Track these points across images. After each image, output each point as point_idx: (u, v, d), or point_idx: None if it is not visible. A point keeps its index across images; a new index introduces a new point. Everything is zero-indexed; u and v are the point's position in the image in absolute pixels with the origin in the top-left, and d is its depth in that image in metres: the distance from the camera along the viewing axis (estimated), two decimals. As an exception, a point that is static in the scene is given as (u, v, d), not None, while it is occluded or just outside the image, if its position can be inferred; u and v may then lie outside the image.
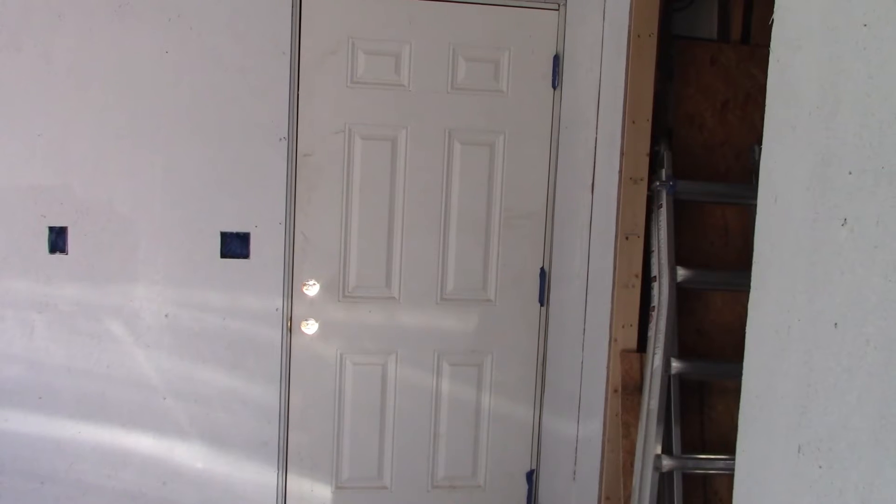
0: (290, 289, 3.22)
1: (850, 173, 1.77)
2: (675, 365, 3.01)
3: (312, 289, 3.23)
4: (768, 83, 2.07)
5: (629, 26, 3.02)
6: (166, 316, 3.14)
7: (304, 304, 3.23)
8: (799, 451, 1.75)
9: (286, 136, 3.13)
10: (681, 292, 3.16)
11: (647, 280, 3.18)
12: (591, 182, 3.30)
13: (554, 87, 3.28)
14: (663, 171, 3.13)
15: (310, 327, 3.24)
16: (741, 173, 3.31)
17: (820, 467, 1.64)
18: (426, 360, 3.35)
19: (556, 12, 3.24)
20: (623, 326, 3.15)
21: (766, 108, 2.09)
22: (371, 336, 3.31)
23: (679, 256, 3.14)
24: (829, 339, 1.81)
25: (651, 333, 3.10)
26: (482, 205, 3.31)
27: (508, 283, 3.36)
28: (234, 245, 3.16)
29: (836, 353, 1.79)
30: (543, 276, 3.36)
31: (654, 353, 3.05)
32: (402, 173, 3.24)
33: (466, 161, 3.28)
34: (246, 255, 3.17)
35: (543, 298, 3.37)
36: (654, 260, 3.13)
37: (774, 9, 2.05)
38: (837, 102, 1.82)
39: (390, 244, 3.27)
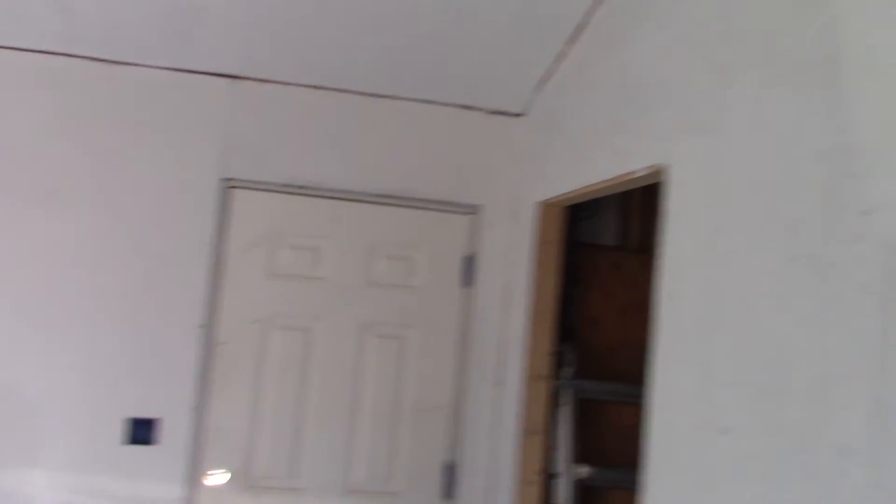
0: (196, 478, 3.17)
1: (729, 385, 1.93)
2: (577, 563, 3.05)
3: (219, 478, 3.20)
4: (658, 299, 2.27)
5: (536, 233, 3.25)
6: None
7: (209, 493, 3.18)
8: None
9: (204, 323, 3.19)
10: (584, 490, 3.24)
11: (549, 476, 3.25)
12: (497, 378, 3.42)
13: (465, 285, 3.45)
14: (567, 370, 3.28)
15: (213, 517, 3.18)
16: (641, 374, 3.48)
17: None
18: (330, 555, 3.30)
19: (470, 217, 3.46)
20: (526, 523, 3.19)
21: (656, 322, 2.27)
22: (276, 528, 3.26)
23: (581, 454, 3.24)
24: (714, 544, 1.90)
25: (553, 531, 3.14)
26: (392, 396, 3.38)
27: (415, 477, 3.38)
28: (141, 431, 3.13)
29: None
30: (449, 470, 3.39)
31: (555, 552, 3.09)
32: (315, 364, 3.31)
33: (379, 353, 3.37)
34: (152, 442, 3.13)
35: (450, 493, 3.39)
36: (556, 457, 3.22)
37: (662, 234, 2.27)
38: (718, 322, 2.00)
39: (299, 434, 3.28)
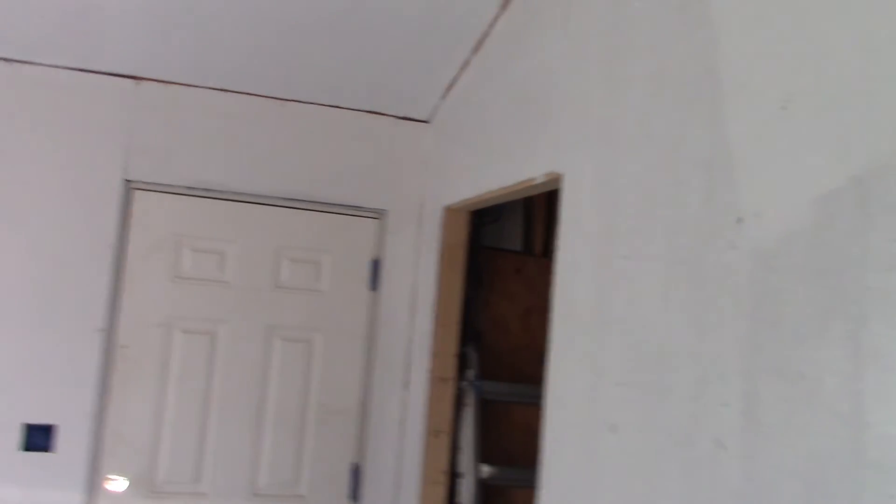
0: (94, 485, 3.12)
1: (617, 385, 2.01)
2: (479, 561, 3.11)
3: (119, 484, 3.15)
4: (553, 302, 2.35)
5: (441, 238, 3.31)
6: (-45, 513, 2.97)
7: (109, 500, 3.14)
8: None
9: (104, 327, 3.14)
10: (487, 489, 3.30)
11: (455, 476, 3.31)
12: (404, 380, 3.47)
13: (372, 289, 3.48)
14: (470, 372, 3.35)
15: (113, 524, 3.14)
16: (543, 375, 3.57)
17: None
18: (234, 558, 3.29)
19: (376, 221, 3.50)
20: (431, 523, 3.25)
21: (551, 324, 2.35)
22: (178, 533, 3.24)
23: (485, 454, 3.31)
24: (603, 537, 1.98)
25: (457, 530, 3.20)
26: (298, 400, 3.39)
27: (322, 479, 3.40)
28: (38, 437, 3.07)
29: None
30: (356, 471, 3.42)
31: (458, 550, 3.15)
32: (220, 367, 3.29)
33: (285, 357, 3.38)
34: (50, 448, 3.07)
35: (356, 494, 3.42)
36: (461, 457, 3.28)
37: (557, 240, 2.35)
38: (608, 325, 2.09)
39: (202, 438, 3.26)
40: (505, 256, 3.70)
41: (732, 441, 1.59)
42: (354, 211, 3.48)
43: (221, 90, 3.32)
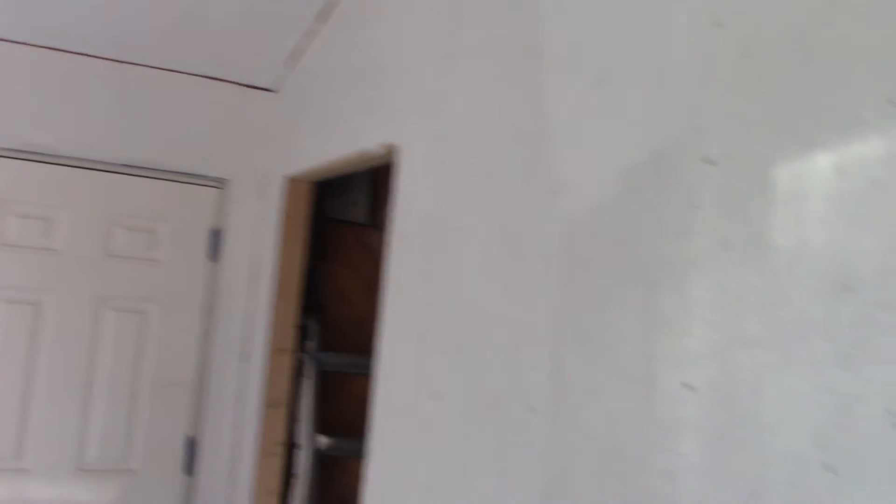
0: None
1: (442, 354, 2.05)
2: (314, 532, 3.12)
3: (-69, 460, 2.98)
4: (385, 274, 2.37)
5: (283, 208, 3.27)
6: None
7: (-82, 476, 2.97)
8: None
9: (-85, 294, 2.95)
10: (326, 460, 3.31)
11: (293, 448, 3.30)
12: (243, 352, 3.42)
13: (211, 259, 3.41)
14: (311, 343, 3.33)
15: (-77, 503, 2.97)
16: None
17: None
18: (59, 535, 3.17)
19: (218, 190, 3.42)
20: (266, 494, 3.22)
21: (384, 295, 2.37)
22: (-3, 511, 3.09)
23: (324, 425, 3.31)
24: (422, 499, 2.02)
25: (291, 501, 3.19)
26: (131, 372, 3.29)
27: (154, 452, 3.31)
28: None
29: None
30: (191, 444, 3.35)
31: (293, 521, 3.14)
32: (46, 339, 3.15)
33: (118, 328, 3.27)
34: None
35: (190, 468, 3.35)
36: (299, 428, 3.27)
37: (391, 211, 2.37)
38: (434, 296, 2.12)
39: (26, 412, 3.12)
40: (350, 229, 3.70)
41: (542, 405, 1.66)
42: (195, 179, 3.39)
43: (52, 49, 3.15)
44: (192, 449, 3.36)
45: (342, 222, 3.75)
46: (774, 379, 1.19)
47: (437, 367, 2.06)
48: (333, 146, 2.85)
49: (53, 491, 3.15)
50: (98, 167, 3.23)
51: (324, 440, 3.21)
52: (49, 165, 3.17)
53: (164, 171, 3.33)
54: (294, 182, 3.26)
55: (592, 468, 1.50)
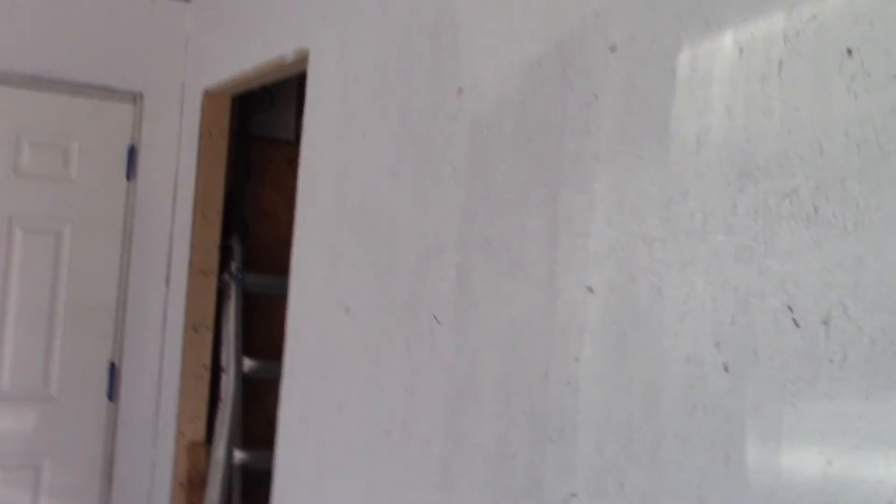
0: None
1: (351, 266, 1.96)
2: (239, 456, 3.05)
3: None
4: (298, 187, 2.26)
5: (202, 124, 3.12)
6: None
7: None
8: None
9: None
10: (254, 383, 3.23)
11: (218, 372, 3.22)
12: (165, 274, 3.30)
13: (129, 178, 3.25)
14: (234, 264, 3.22)
15: None
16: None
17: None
18: (-27, 465, 3.06)
19: (133, 105, 3.25)
20: (191, 419, 3.14)
21: (297, 210, 2.26)
22: None
23: (251, 348, 3.22)
24: (335, 420, 1.96)
25: (217, 425, 3.12)
26: (46, 296, 3.14)
27: (74, 379, 3.20)
28: None
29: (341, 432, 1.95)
30: (113, 369, 3.25)
31: (217, 445, 3.07)
32: (-49, 261, 3.00)
33: (28, 250, 3.11)
34: None
35: (113, 394, 3.25)
36: (223, 351, 3.18)
37: (304, 122, 2.25)
38: (345, 205, 2.02)
39: (-66, 338, 2.99)
40: (276, 147, 3.55)
41: (446, 315, 1.58)
42: (107, 94, 3.20)
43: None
44: (114, 374, 3.26)
45: (269, 140, 3.60)
46: (674, 277, 1.13)
47: (348, 281, 1.97)
48: (249, 55, 2.70)
49: (-34, 419, 3.04)
50: (1, 81, 3.04)
51: (249, 362, 3.12)
52: (-53, 78, 2.97)
53: (75, 83, 3.14)
54: (212, 96, 3.11)
55: (497, 378, 1.44)
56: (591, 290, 1.25)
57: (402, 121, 1.79)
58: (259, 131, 3.59)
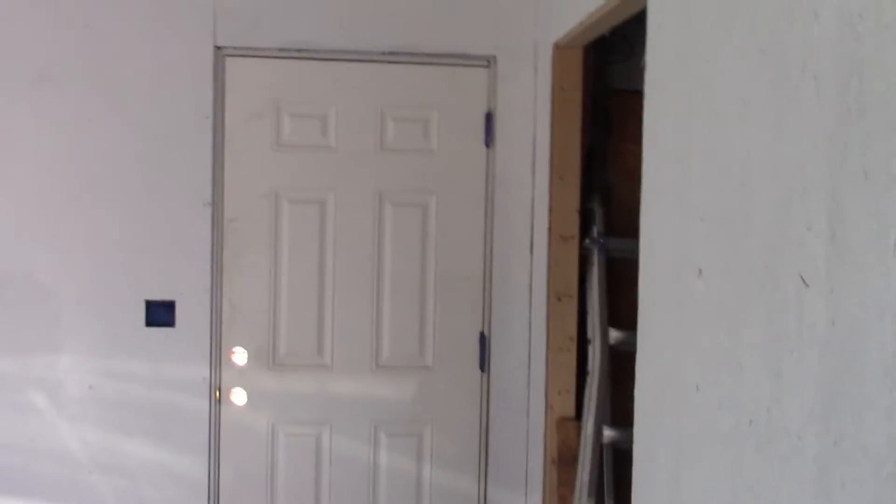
0: (217, 357, 3.12)
1: (701, 220, 1.64)
2: (608, 434, 2.84)
3: (241, 357, 3.13)
4: (644, 134, 1.98)
5: (553, 80, 2.94)
6: (90, 387, 3.06)
7: (232, 372, 3.13)
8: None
9: (210, 201, 3.07)
10: (622, 356, 2.99)
11: (584, 344, 3.03)
12: (528, 242, 3.18)
13: (487, 145, 3.18)
14: (595, 229, 3.01)
15: (239, 397, 3.14)
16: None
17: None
18: (362, 431, 3.21)
19: (486, 69, 3.17)
20: (559, 393, 3.00)
21: (643, 159, 1.99)
22: (304, 406, 3.19)
23: (618, 317, 2.98)
24: (692, 402, 1.66)
25: (585, 400, 2.93)
26: (417, 267, 3.20)
27: (447, 349, 3.22)
28: (160, 313, 3.08)
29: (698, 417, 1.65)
30: (483, 340, 3.22)
31: (586, 421, 2.89)
32: (331, 237, 3.15)
33: (398, 223, 3.18)
34: (171, 324, 3.08)
35: (484, 364, 3.22)
36: (588, 321, 2.98)
37: (646, 54, 1.95)
38: (689, 147, 1.71)
39: (321, 310, 3.16)
40: (639, 99, 3.24)
41: (816, 275, 1.21)
42: (461, 60, 3.16)
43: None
44: (485, 345, 3.22)
45: (630, 92, 3.31)
46: None
47: (697, 237, 1.65)
48: (593, -5, 2.45)
49: (354, 386, 3.19)
50: (362, 58, 3.12)
51: (615, 333, 2.89)
52: (315, 62, 3.11)
53: (429, 54, 3.13)
54: (562, 49, 2.91)
55: (887, 358, 1.05)
56: None
57: (750, 30, 1.42)
58: (619, 83, 3.33)
